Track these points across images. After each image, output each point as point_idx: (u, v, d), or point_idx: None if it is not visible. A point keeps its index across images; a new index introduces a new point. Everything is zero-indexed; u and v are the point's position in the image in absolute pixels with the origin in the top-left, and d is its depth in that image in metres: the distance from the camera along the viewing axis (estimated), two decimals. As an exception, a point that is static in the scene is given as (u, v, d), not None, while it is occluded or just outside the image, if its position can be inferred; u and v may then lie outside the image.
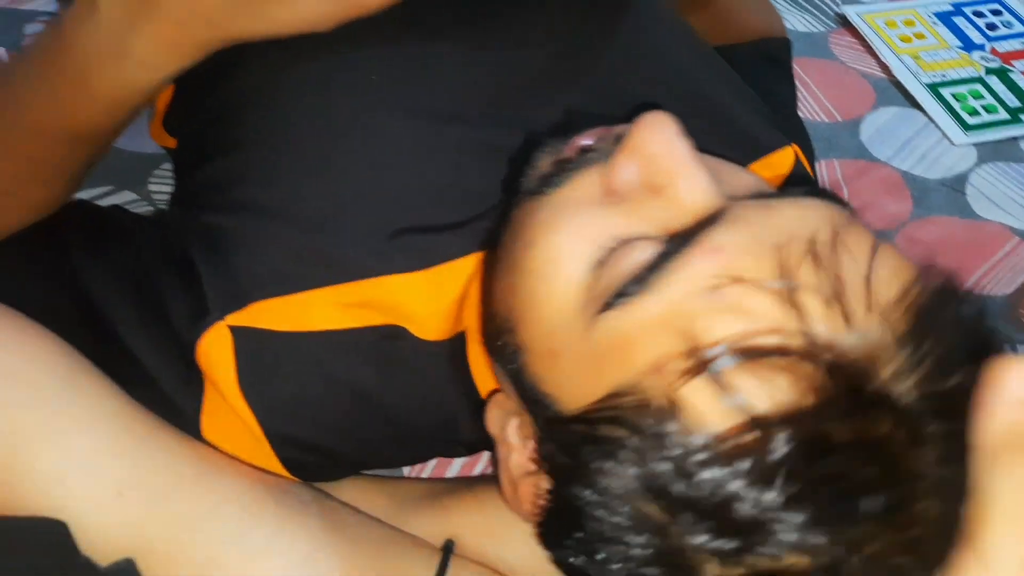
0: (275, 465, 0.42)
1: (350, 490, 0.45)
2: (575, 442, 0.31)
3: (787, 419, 0.27)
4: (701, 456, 0.27)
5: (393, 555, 0.40)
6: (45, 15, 0.73)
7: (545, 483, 0.33)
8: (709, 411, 0.28)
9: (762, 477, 0.26)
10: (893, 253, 0.31)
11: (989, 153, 0.82)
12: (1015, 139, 0.84)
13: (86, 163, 0.47)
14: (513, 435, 0.37)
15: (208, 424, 0.41)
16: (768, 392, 0.27)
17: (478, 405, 0.44)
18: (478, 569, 0.41)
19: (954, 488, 0.26)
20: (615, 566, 0.29)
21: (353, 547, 0.39)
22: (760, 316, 0.28)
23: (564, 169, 0.36)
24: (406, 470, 0.51)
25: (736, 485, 0.27)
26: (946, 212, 0.77)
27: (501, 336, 0.36)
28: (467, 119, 0.44)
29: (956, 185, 0.79)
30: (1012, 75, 0.91)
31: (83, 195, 0.60)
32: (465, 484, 0.46)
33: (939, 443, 0.27)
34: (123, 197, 0.63)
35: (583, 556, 0.30)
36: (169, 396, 0.41)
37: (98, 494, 0.36)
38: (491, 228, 0.41)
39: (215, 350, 0.40)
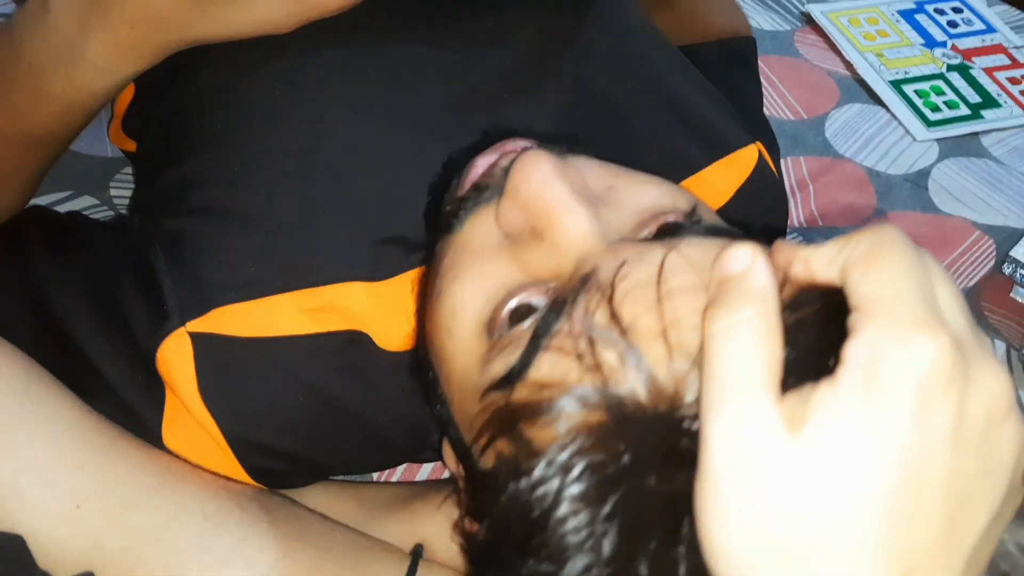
0: (239, 473, 0.41)
1: (318, 496, 0.45)
2: (476, 490, 0.32)
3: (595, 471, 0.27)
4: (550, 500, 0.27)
5: (361, 561, 0.40)
6: (1, 16, 0.72)
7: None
8: (555, 468, 0.27)
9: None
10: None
11: (951, 148, 0.84)
12: (976, 134, 0.86)
13: (41, 167, 0.46)
14: (460, 470, 0.37)
15: (170, 433, 0.41)
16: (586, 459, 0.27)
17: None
18: (447, 572, 0.41)
19: None
20: None
21: (320, 554, 0.39)
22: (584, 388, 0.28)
23: (463, 208, 0.37)
24: (375, 475, 0.50)
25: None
26: (909, 207, 0.78)
27: (429, 382, 0.38)
28: (430, 125, 0.44)
29: (919, 180, 0.80)
30: (972, 71, 0.93)
31: (42, 200, 0.59)
32: (434, 488, 0.46)
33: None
34: (83, 202, 0.62)
35: None
36: (130, 405, 0.41)
37: (56, 506, 0.35)
38: (426, 250, 0.41)
39: (175, 357, 0.39)
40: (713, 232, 0.33)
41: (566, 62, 0.47)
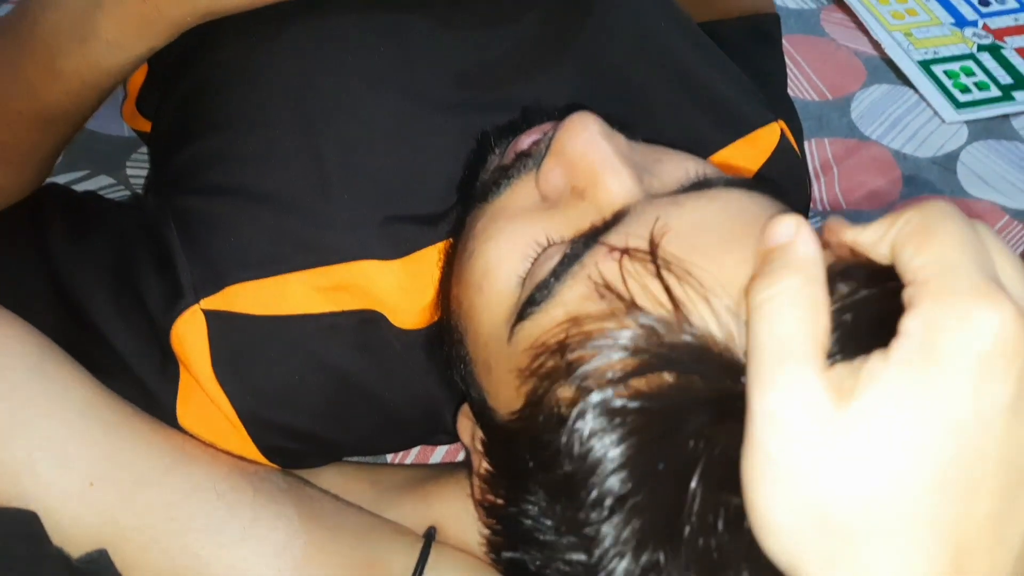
0: (252, 452, 0.41)
1: (331, 477, 0.44)
2: (503, 455, 0.31)
3: (653, 407, 0.26)
4: (588, 458, 0.27)
5: (374, 542, 0.40)
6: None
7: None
8: (591, 409, 0.27)
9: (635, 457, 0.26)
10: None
11: (980, 131, 0.81)
12: (1006, 116, 0.83)
13: (56, 146, 0.46)
14: (479, 445, 0.37)
15: (184, 411, 0.41)
16: (639, 393, 0.26)
17: (460, 394, 0.43)
18: (460, 555, 0.40)
19: None
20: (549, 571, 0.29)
21: (332, 535, 0.38)
22: (632, 321, 0.28)
23: (504, 176, 0.36)
24: (389, 457, 0.50)
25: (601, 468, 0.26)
26: (936, 190, 0.76)
27: (453, 343, 0.37)
28: (448, 101, 0.43)
29: (947, 163, 0.78)
30: (1004, 52, 0.90)
31: (60, 179, 0.59)
32: (448, 470, 0.46)
33: None
34: (100, 181, 0.62)
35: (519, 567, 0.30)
36: (144, 383, 0.41)
37: (69, 484, 0.35)
38: (454, 222, 0.40)
39: (189, 335, 0.39)
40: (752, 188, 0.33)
41: (581, 39, 0.46)
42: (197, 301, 0.39)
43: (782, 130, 0.50)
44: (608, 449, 0.26)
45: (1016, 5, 0.96)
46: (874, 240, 0.25)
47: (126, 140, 0.64)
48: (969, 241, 0.23)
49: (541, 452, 0.28)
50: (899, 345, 0.22)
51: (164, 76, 0.50)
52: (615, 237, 0.30)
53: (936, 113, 0.82)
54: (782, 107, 0.57)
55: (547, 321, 0.30)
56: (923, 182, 0.76)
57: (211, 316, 0.39)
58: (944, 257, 0.23)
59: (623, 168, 0.32)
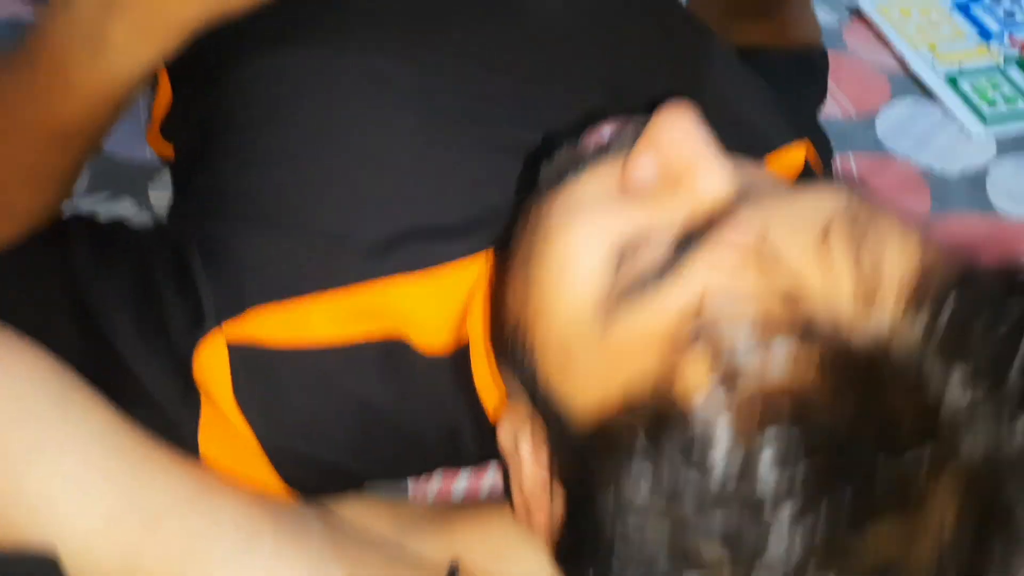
0: (275, 482, 0.40)
1: (353, 509, 0.44)
2: (590, 450, 0.30)
3: (799, 408, 0.25)
4: (716, 450, 0.26)
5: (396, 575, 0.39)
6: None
7: (560, 495, 0.32)
8: (724, 405, 0.26)
9: (778, 464, 0.25)
10: (915, 239, 0.29)
11: (1010, 145, 0.80)
12: (1037, 131, 0.82)
13: (76, 164, 0.46)
14: (526, 448, 0.36)
15: (206, 439, 0.40)
16: (784, 382, 0.26)
17: (482, 421, 0.42)
18: (484, 589, 0.39)
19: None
20: (630, 573, 0.28)
21: (354, 569, 0.38)
22: (774, 305, 0.27)
23: (581, 163, 0.35)
24: (411, 484, 0.50)
25: (747, 471, 0.25)
26: (966, 207, 0.75)
27: (513, 336, 0.35)
28: (476, 115, 0.43)
29: (976, 179, 0.76)
30: (1032, 64, 0.89)
31: (83, 202, 0.59)
32: (470, 505, 0.45)
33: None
34: (122, 204, 0.62)
35: (598, 568, 0.29)
36: (166, 411, 0.40)
37: (89, 517, 0.35)
38: (504, 226, 0.39)
39: (211, 364, 0.39)
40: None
41: (597, 63, 0.46)
42: (219, 324, 0.39)
43: (807, 152, 0.49)
44: (765, 471, 0.25)
45: (1042, 17, 0.94)
46: None
47: (149, 163, 0.65)
48: None
49: (655, 442, 0.27)
50: None
51: (186, 99, 0.50)
52: (737, 226, 0.29)
53: (964, 128, 0.81)
54: (811, 128, 0.56)
55: (660, 308, 0.29)
56: (953, 199, 0.75)
57: (233, 349, 0.39)
58: None
59: (724, 160, 0.31)
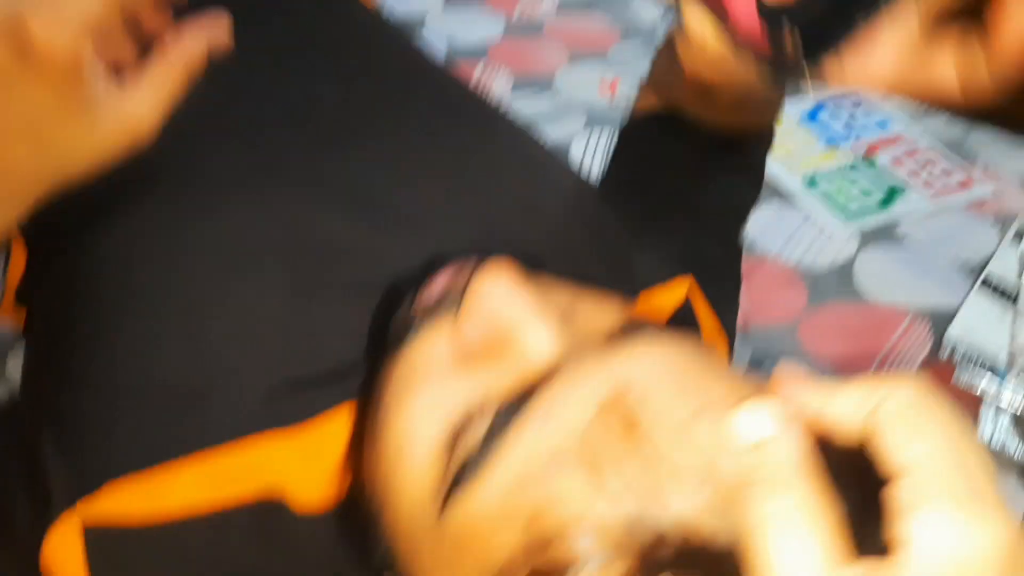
0: None
1: None
2: None
3: None
4: None
5: None
6: None
7: None
8: None
9: None
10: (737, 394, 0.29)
11: (871, 237, 0.85)
12: (892, 222, 0.88)
13: None
14: None
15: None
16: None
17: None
18: None
19: None
20: None
21: None
22: (576, 497, 0.26)
23: (416, 325, 0.35)
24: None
25: None
26: (839, 298, 0.78)
27: (369, 522, 0.34)
28: (334, 256, 0.42)
29: (844, 271, 0.81)
30: (877, 162, 0.97)
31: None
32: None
33: None
34: (-21, 380, 0.58)
35: None
36: None
37: None
38: (363, 379, 0.38)
39: (62, 552, 0.35)
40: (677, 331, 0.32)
41: (470, 207, 0.46)
42: (72, 505, 0.36)
43: (688, 291, 0.49)
44: None
45: (883, 118, 1.04)
46: (849, 411, 0.22)
47: (6, 335, 0.61)
48: (964, 437, 0.21)
49: None
50: (911, 557, 0.20)
51: (41, 261, 0.48)
52: (541, 405, 0.28)
53: (826, 226, 0.86)
54: (722, 256, 0.55)
55: (481, 501, 0.28)
56: (825, 291, 0.78)
57: (89, 531, 0.35)
58: (941, 455, 0.21)
59: (541, 322, 0.31)
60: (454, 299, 0.34)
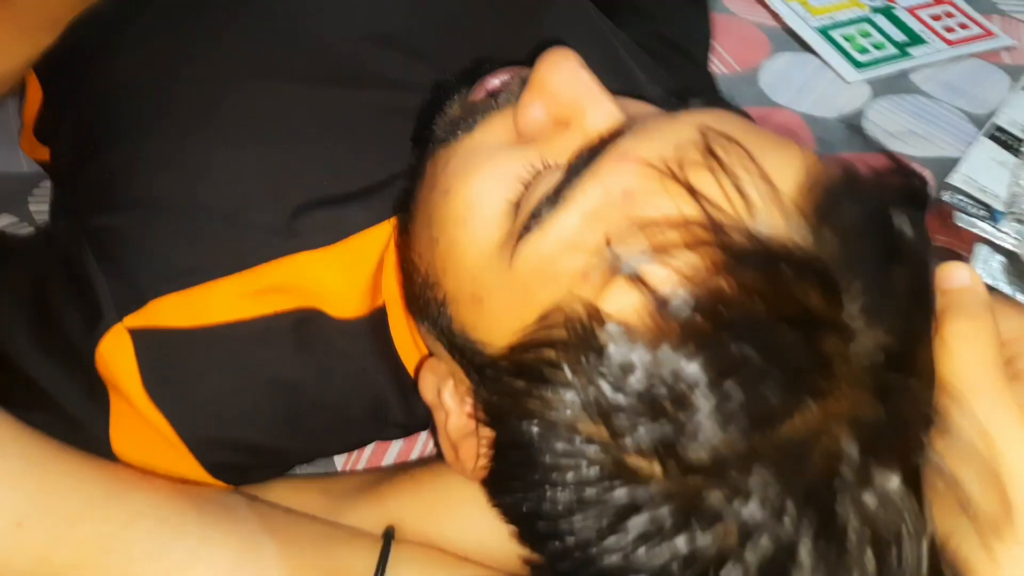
0: (197, 471, 0.39)
1: (282, 491, 0.43)
2: (509, 378, 0.30)
3: (705, 300, 0.26)
4: (631, 357, 0.26)
5: (331, 550, 0.38)
6: None
7: (486, 436, 0.32)
8: (633, 312, 0.27)
9: (689, 357, 0.26)
10: (797, 150, 0.31)
11: (882, 88, 0.85)
12: (905, 72, 0.87)
13: None
14: (449, 397, 0.36)
15: (118, 437, 0.39)
16: (686, 281, 0.27)
17: (406, 384, 0.42)
18: (422, 550, 0.39)
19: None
20: (563, 496, 0.28)
21: (287, 548, 0.37)
22: (670, 214, 0.28)
23: (474, 114, 0.36)
24: (340, 461, 0.49)
25: (664, 370, 0.26)
26: (847, 148, 0.78)
27: (425, 293, 0.35)
28: (361, 79, 0.43)
29: (854, 121, 0.81)
30: (896, 11, 0.94)
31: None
32: (402, 470, 0.45)
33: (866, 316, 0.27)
34: (2, 220, 0.58)
35: (532, 497, 0.29)
36: (71, 414, 0.39)
37: None
38: (403, 188, 0.39)
39: (115, 356, 0.37)
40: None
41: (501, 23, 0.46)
42: (120, 319, 0.38)
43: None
44: (683, 364, 0.26)
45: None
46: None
47: (26, 175, 0.61)
48: None
49: (574, 363, 0.27)
50: None
51: (60, 97, 0.48)
52: (624, 144, 0.30)
53: (839, 75, 0.85)
54: (701, 81, 0.59)
55: (558, 231, 0.30)
56: (834, 141, 0.79)
57: (136, 334, 0.37)
58: None
59: (607, 96, 0.32)
60: (512, 91, 0.35)
